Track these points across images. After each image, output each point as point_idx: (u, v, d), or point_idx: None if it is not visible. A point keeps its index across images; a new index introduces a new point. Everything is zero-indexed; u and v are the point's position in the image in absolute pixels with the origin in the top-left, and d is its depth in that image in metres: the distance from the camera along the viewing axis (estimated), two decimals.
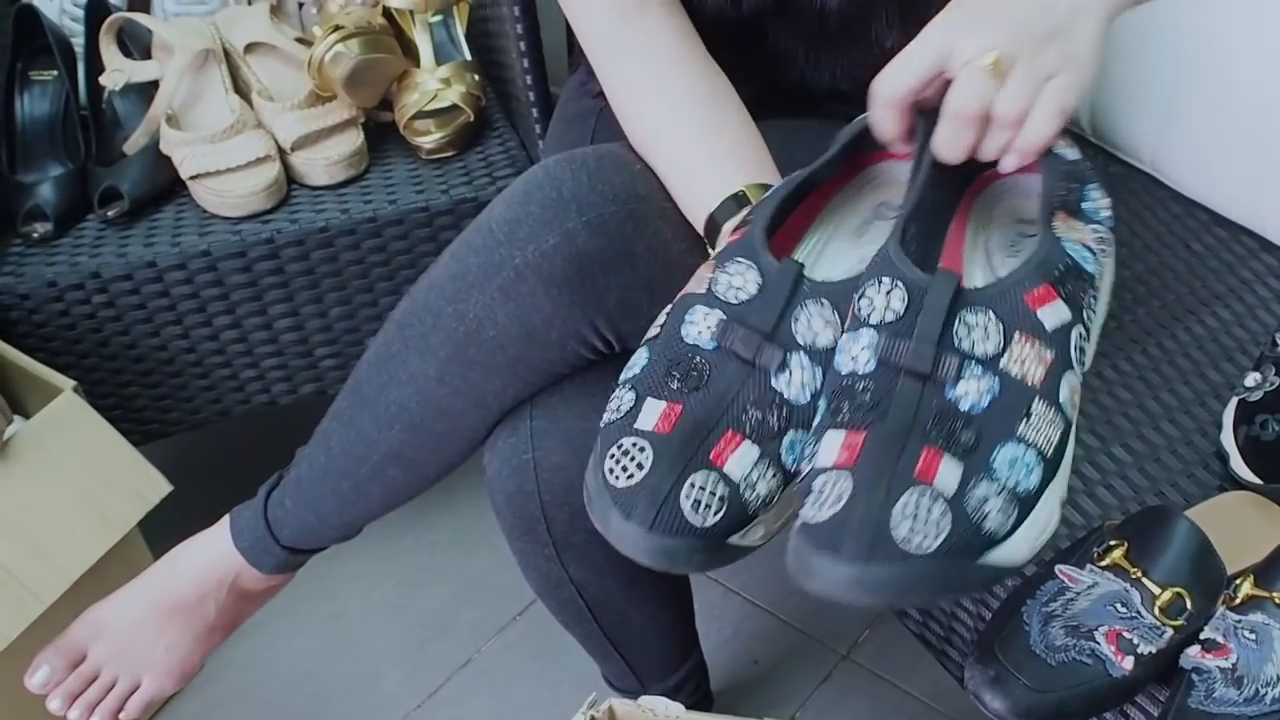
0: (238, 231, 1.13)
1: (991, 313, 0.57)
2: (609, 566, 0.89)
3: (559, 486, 0.81)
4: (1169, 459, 0.89)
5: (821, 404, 0.59)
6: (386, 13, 1.24)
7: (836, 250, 0.71)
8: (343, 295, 1.18)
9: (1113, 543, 0.75)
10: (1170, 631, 0.71)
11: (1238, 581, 0.73)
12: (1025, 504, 0.55)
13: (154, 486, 1.05)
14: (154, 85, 1.20)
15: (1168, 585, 0.72)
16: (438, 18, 1.26)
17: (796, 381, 0.59)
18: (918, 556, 0.52)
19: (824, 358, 0.60)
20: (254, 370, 1.21)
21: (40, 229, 1.14)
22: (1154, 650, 0.71)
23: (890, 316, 0.57)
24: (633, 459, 0.58)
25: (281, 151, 1.18)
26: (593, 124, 0.99)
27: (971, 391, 0.55)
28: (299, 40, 1.26)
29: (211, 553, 0.92)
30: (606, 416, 0.62)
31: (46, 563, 0.99)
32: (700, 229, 0.77)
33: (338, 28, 1.15)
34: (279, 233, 1.13)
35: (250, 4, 1.35)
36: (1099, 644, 0.71)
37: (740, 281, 0.61)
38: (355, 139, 1.19)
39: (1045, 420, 0.55)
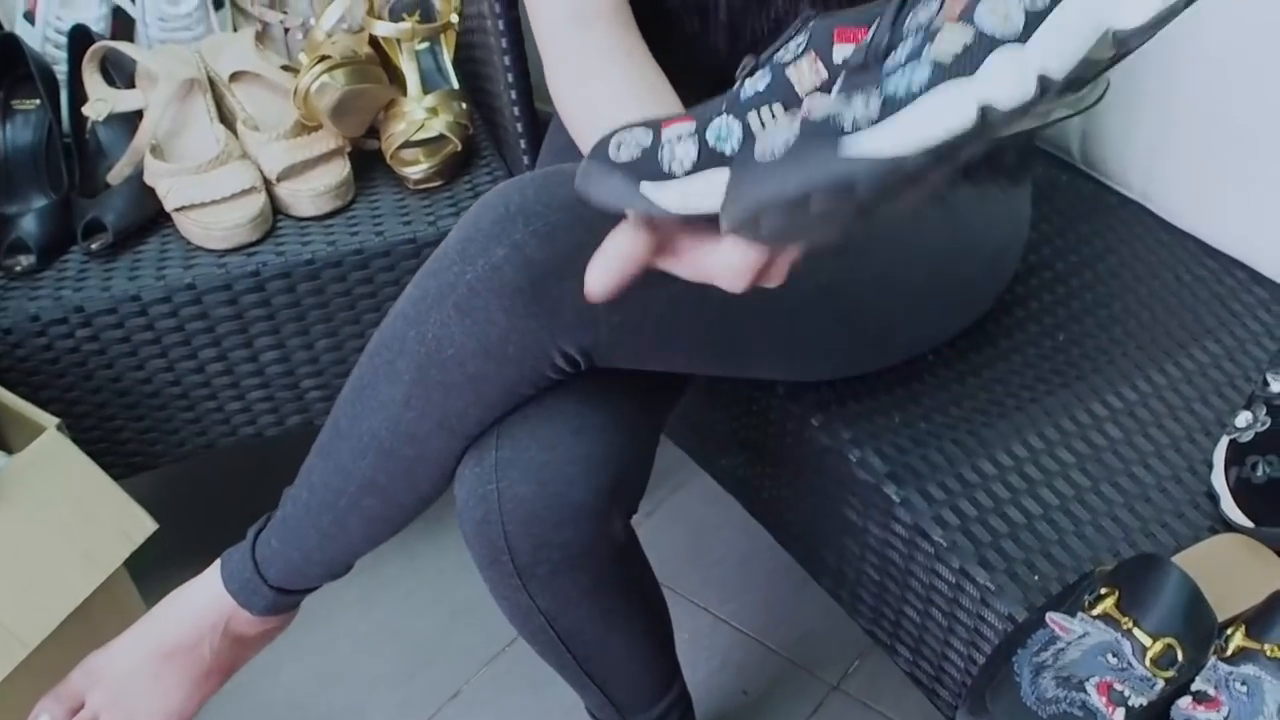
0: (223, 265, 1.13)
1: None
2: (579, 596, 0.88)
3: (523, 517, 0.81)
4: (1159, 498, 0.89)
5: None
6: (373, 40, 1.23)
7: None
8: (329, 327, 1.17)
9: (1103, 590, 0.75)
10: (1161, 683, 0.71)
11: (1229, 632, 0.72)
12: (898, 102, 0.54)
13: (139, 525, 1.04)
14: (138, 115, 1.19)
15: (1159, 636, 0.72)
16: (424, 45, 1.26)
17: (751, 82, 0.61)
18: (771, 163, 0.56)
19: (785, 89, 0.60)
20: (240, 403, 1.20)
21: (23, 262, 1.13)
22: (1145, 702, 0.70)
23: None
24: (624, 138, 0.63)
25: (267, 182, 1.17)
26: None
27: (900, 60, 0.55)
28: (285, 68, 1.25)
29: (205, 596, 0.91)
30: None
31: (31, 604, 0.98)
32: None
33: (324, 58, 1.15)
34: (265, 265, 1.12)
35: (235, 30, 1.35)
36: (1090, 695, 0.71)
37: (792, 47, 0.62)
38: (341, 169, 1.19)
39: (950, 37, 0.53)
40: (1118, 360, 1.00)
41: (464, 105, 1.23)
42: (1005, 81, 0.53)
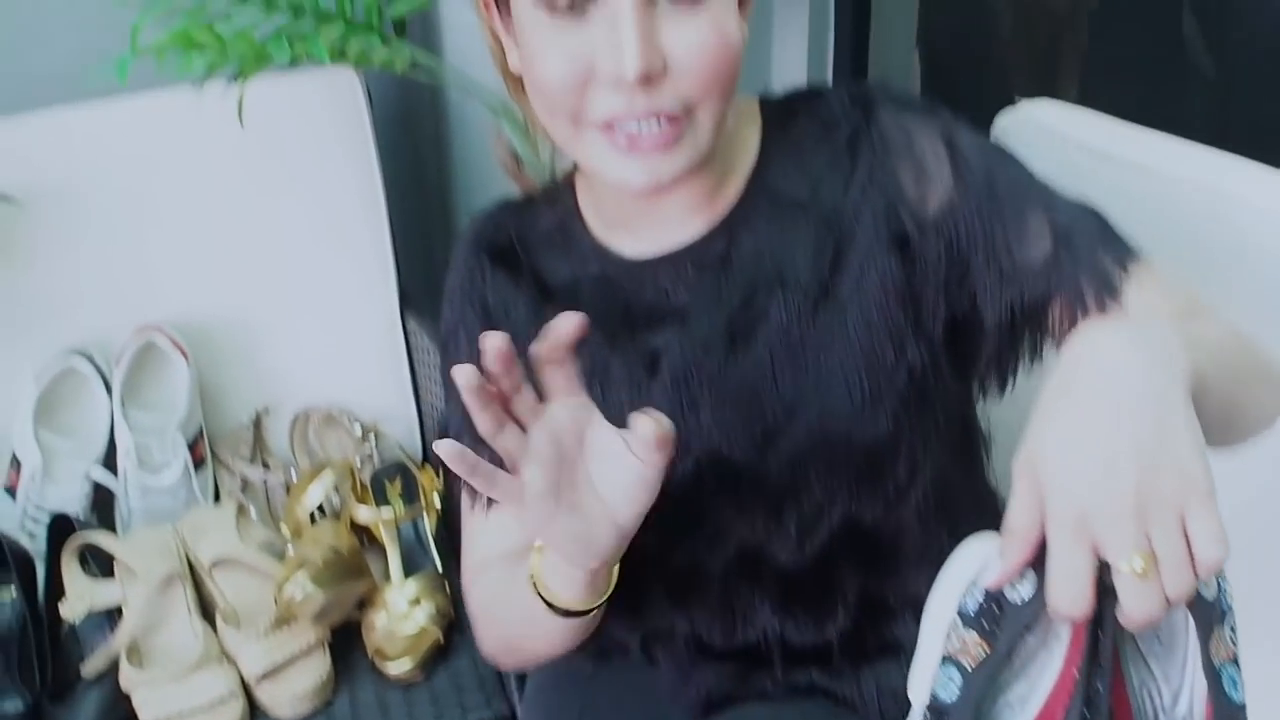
0: None
1: None
2: None
3: None
4: None
5: None
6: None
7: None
8: None
9: None
10: None
11: None
12: None
13: None
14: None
15: None
16: (406, 520, 1.26)
17: None
18: None
19: None
20: None
21: None
22: None
23: None
24: None
25: (245, 684, 1.15)
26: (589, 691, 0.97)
27: None
28: (266, 545, 1.24)
29: None
30: None
31: None
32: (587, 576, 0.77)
33: (304, 562, 1.14)
34: None
35: (217, 490, 1.34)
36: None
37: None
38: (321, 667, 1.16)
39: None
40: None
41: (447, 590, 1.22)
42: None
